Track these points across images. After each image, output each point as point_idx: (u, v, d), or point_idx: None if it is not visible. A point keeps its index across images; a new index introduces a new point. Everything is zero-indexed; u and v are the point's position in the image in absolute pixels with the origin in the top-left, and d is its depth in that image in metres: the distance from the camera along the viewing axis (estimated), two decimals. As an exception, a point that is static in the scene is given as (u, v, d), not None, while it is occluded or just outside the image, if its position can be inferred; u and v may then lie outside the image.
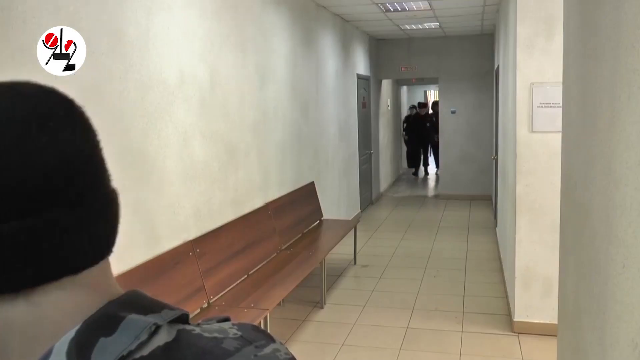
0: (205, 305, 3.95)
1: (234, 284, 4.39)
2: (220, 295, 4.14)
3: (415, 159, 15.17)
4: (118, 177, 2.65)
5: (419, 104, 15.47)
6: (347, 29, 9.10)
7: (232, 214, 4.69)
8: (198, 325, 0.66)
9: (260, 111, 5.38)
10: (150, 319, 0.60)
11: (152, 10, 3.55)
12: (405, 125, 15.07)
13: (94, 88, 3.01)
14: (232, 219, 4.65)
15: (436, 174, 14.88)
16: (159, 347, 0.59)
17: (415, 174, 15.19)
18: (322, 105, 7.60)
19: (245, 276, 4.60)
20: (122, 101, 3.25)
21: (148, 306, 0.62)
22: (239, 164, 4.87)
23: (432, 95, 19.65)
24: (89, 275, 0.62)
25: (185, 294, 3.75)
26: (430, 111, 15.55)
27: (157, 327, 0.60)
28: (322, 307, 5.47)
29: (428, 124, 14.53)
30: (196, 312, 3.84)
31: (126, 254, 3.28)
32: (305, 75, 6.84)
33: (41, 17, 2.63)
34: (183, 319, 0.64)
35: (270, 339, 0.66)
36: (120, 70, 3.23)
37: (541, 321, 4.66)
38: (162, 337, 0.60)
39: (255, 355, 0.62)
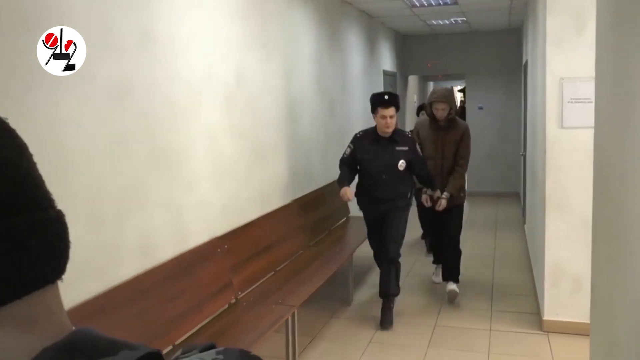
0: (234, 300, 3.98)
1: (262, 280, 4.41)
2: (247, 291, 4.16)
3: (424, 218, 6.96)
4: (149, 175, 2.70)
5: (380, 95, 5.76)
6: (373, 25, 9.07)
7: (259, 211, 4.71)
8: (176, 359, 0.57)
9: (287, 108, 5.39)
10: None
11: (180, 9, 3.58)
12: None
13: (122, 87, 3.04)
14: (260, 216, 4.67)
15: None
16: None
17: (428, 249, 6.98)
18: (348, 101, 7.58)
19: (273, 272, 4.62)
20: (150, 100, 3.28)
21: (99, 348, 0.51)
22: (265, 161, 4.88)
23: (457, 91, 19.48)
24: (17, 311, 0.49)
25: (214, 290, 3.77)
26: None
27: None
28: (349, 304, 5.46)
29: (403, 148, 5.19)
30: (224, 308, 3.87)
31: (155, 250, 3.32)
32: (331, 72, 6.83)
33: (70, 17, 2.67)
34: (151, 358, 0.52)
35: None
36: (147, 69, 3.26)
37: (572, 320, 4.60)
38: None
39: None
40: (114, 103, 2.98)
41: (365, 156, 4.92)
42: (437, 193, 5.33)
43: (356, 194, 5.11)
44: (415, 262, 6.80)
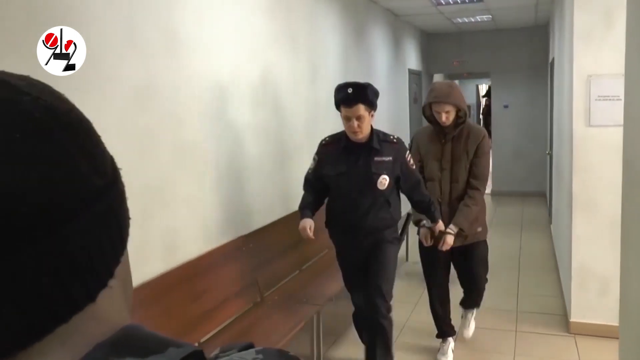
0: (258, 299, 3.99)
1: (287, 279, 4.42)
2: (272, 290, 4.17)
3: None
4: (174, 174, 2.71)
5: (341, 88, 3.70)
6: (398, 23, 9.03)
7: (284, 210, 4.71)
8: (216, 358, 0.57)
9: (312, 107, 5.39)
10: None
11: (205, 9, 3.60)
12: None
13: (147, 86, 3.07)
14: (285, 215, 4.68)
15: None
16: None
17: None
18: (373, 100, 7.56)
19: (298, 271, 4.62)
20: (175, 99, 3.31)
21: (148, 345, 0.51)
22: (290, 160, 4.89)
23: (483, 89, 19.27)
24: (64, 328, 0.48)
25: (238, 289, 3.79)
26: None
27: None
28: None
29: (384, 159, 3.67)
30: (249, 307, 3.88)
31: (180, 249, 3.34)
32: (357, 71, 6.81)
33: (97, 18, 2.70)
34: (196, 356, 0.53)
35: None
36: (173, 69, 3.28)
37: (599, 322, 4.52)
38: None
39: None
40: (139, 103, 3.00)
41: (332, 172, 3.62)
42: (440, 225, 3.83)
43: (327, 223, 3.84)
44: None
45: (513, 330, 4.81)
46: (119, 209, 0.54)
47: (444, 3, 7.98)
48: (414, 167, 3.69)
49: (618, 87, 3.98)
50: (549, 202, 8.91)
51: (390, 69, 8.50)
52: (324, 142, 3.75)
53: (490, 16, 9.30)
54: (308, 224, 3.57)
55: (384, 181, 3.52)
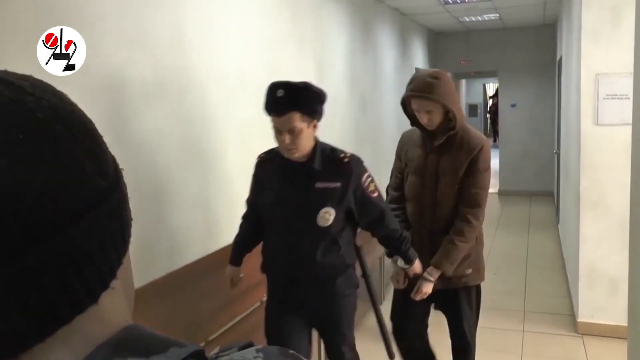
0: (264, 299, 3.98)
1: (292, 279, 4.41)
2: (278, 289, 4.16)
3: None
4: (181, 174, 2.71)
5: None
6: (405, 22, 9.02)
7: (290, 209, 4.71)
8: (217, 357, 0.57)
9: (318, 106, 5.38)
10: None
11: (210, 8, 3.60)
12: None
13: (155, 86, 3.07)
14: (290, 214, 4.67)
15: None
16: None
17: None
18: (381, 100, 7.55)
19: (303, 271, 4.62)
20: (182, 98, 3.31)
21: (150, 345, 0.51)
22: (296, 159, 4.88)
23: (491, 88, 19.23)
24: (65, 330, 0.48)
25: (244, 288, 3.78)
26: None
27: None
28: (380, 303, 5.43)
29: (329, 185, 2.70)
30: (255, 306, 3.88)
31: (187, 249, 3.34)
32: (363, 70, 6.80)
33: (104, 18, 2.70)
34: (197, 355, 0.52)
35: None
36: (179, 69, 3.28)
37: (607, 322, 4.50)
38: None
39: None
40: (146, 102, 3.00)
41: (263, 198, 2.78)
42: (416, 268, 2.92)
43: (262, 267, 2.90)
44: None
45: (520, 330, 4.79)
46: (121, 210, 0.53)
47: (451, 2, 7.96)
48: (376, 194, 2.73)
49: (626, 86, 3.96)
50: (556, 201, 8.88)
51: (397, 68, 8.48)
52: (259, 158, 2.88)
53: (498, 15, 9.27)
54: (231, 275, 2.97)
55: (327, 215, 2.60)
